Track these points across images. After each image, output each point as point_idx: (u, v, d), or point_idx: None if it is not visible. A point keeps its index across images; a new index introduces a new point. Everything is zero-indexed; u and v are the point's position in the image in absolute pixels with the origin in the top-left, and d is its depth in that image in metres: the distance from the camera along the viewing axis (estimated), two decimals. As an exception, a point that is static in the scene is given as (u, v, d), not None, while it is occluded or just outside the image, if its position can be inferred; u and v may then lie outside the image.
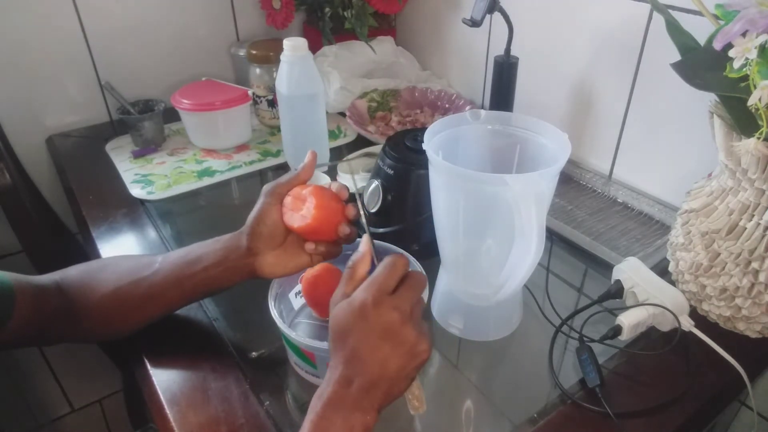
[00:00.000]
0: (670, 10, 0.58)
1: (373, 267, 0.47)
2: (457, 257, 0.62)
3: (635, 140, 0.85)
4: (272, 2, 1.12)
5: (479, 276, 0.62)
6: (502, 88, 0.88)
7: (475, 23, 0.81)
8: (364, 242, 0.49)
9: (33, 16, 0.97)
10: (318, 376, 0.56)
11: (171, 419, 0.53)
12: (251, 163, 0.97)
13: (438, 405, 0.58)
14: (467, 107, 1.06)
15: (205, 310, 0.66)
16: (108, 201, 0.87)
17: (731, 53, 0.46)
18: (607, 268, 0.70)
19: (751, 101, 0.45)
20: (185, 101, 0.95)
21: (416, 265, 0.62)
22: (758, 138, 0.47)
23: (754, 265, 0.55)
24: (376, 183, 0.72)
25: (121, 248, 0.77)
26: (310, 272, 0.59)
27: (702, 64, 0.51)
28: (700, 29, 0.53)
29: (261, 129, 1.09)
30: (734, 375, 0.57)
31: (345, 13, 1.13)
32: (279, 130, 0.98)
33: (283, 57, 0.83)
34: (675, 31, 0.55)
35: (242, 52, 1.11)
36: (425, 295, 0.56)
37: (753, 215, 0.54)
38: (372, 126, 1.06)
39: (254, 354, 0.61)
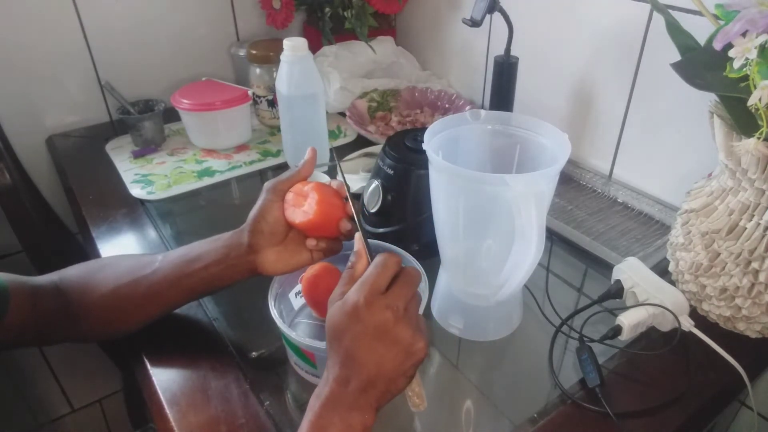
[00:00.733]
0: (670, 10, 0.58)
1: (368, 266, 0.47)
2: (457, 257, 0.62)
3: (635, 140, 0.85)
4: (272, 2, 1.12)
5: (479, 276, 0.62)
6: (502, 88, 0.88)
7: (475, 23, 0.81)
8: (357, 241, 0.49)
9: (33, 16, 0.97)
10: (318, 376, 0.56)
11: (171, 419, 0.53)
12: (251, 163, 0.97)
13: (438, 405, 0.58)
14: (467, 107, 1.06)
15: (205, 310, 0.66)
16: (108, 201, 0.87)
17: (731, 53, 0.46)
18: (607, 268, 0.70)
19: (751, 101, 0.45)
20: (185, 101, 0.95)
21: (416, 265, 0.61)
22: (758, 138, 0.47)
23: (754, 265, 0.55)
24: (376, 183, 0.72)
25: (121, 248, 0.77)
26: (310, 272, 0.59)
27: (702, 64, 0.51)
28: (700, 29, 0.53)
29: (261, 129, 1.09)
30: (734, 375, 0.57)
31: (345, 13, 1.13)
32: (279, 130, 0.98)
33: (283, 57, 0.83)
34: (675, 31, 0.55)
35: (242, 52, 1.11)
36: (425, 293, 0.56)
37: (753, 215, 0.54)
38: (372, 126, 1.06)
39: (254, 354, 0.61)
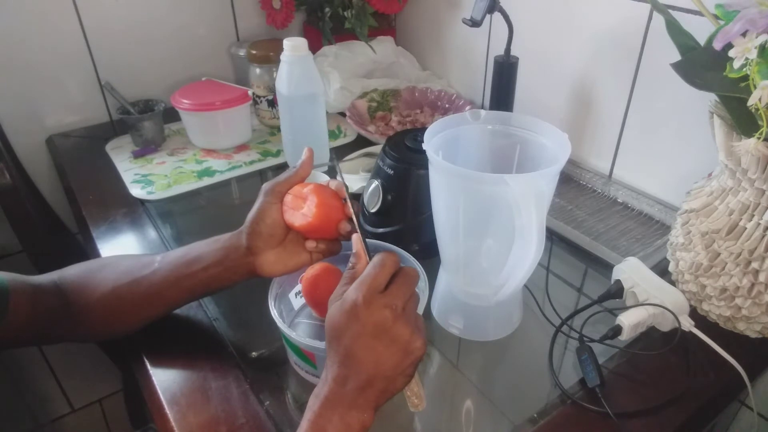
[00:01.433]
0: (670, 10, 0.58)
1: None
2: (457, 257, 0.62)
3: (635, 140, 0.85)
4: (272, 2, 1.12)
5: (479, 276, 0.62)
6: (502, 88, 0.88)
7: (475, 23, 0.81)
8: (356, 242, 0.49)
9: (33, 16, 0.97)
10: (318, 376, 0.56)
11: (171, 419, 0.53)
12: (251, 163, 0.97)
13: (438, 405, 0.58)
14: (467, 107, 1.06)
15: (205, 310, 0.66)
16: (108, 201, 0.87)
17: (731, 53, 0.46)
18: (607, 268, 0.70)
19: (751, 101, 0.45)
20: (185, 101, 0.95)
21: (416, 265, 0.61)
22: (758, 138, 0.47)
23: (754, 265, 0.55)
24: (376, 183, 0.72)
25: (121, 248, 0.77)
26: (310, 272, 0.59)
27: (702, 64, 0.51)
28: (700, 29, 0.53)
29: (261, 129, 1.09)
30: (734, 375, 0.57)
31: (345, 13, 1.13)
32: (279, 130, 0.98)
33: (283, 57, 0.83)
34: (675, 31, 0.55)
35: (242, 52, 1.11)
36: (425, 293, 0.57)
37: (753, 215, 0.54)
38: (372, 126, 1.06)
39: (254, 354, 0.61)
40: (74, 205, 0.89)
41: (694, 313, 0.63)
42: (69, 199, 0.93)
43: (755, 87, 0.44)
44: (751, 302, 0.57)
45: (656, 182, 0.84)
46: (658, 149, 0.82)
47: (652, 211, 0.81)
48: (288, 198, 0.55)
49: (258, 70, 1.02)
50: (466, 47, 1.11)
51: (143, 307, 0.57)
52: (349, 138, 1.04)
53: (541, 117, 0.59)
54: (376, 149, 0.93)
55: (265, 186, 0.56)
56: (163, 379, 0.57)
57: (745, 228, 0.55)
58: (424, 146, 0.55)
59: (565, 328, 0.63)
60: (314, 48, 0.94)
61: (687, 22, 0.56)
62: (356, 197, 0.66)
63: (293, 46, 0.81)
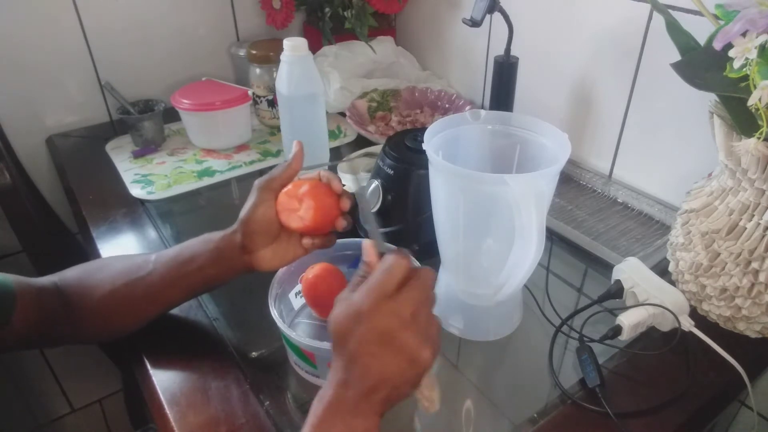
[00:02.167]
0: (670, 10, 0.58)
1: None
2: (457, 257, 0.62)
3: (635, 140, 0.85)
4: (272, 2, 1.12)
5: (479, 276, 0.62)
6: (502, 88, 0.88)
7: (475, 23, 0.81)
8: (367, 251, 0.45)
9: (33, 16, 0.97)
10: (318, 376, 0.56)
11: (171, 419, 0.53)
12: (251, 163, 0.97)
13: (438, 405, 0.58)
14: (467, 107, 1.06)
15: (205, 310, 0.65)
16: (108, 201, 0.87)
17: (731, 53, 0.46)
18: (607, 268, 0.70)
19: (751, 101, 0.45)
20: (185, 101, 0.95)
21: (416, 265, 0.61)
22: (758, 138, 0.47)
23: (754, 265, 0.55)
24: (376, 183, 0.72)
25: (121, 248, 0.77)
26: (310, 272, 0.59)
27: (702, 64, 0.51)
28: (700, 29, 0.53)
29: (261, 129, 1.09)
30: (734, 375, 0.57)
31: (345, 13, 1.13)
32: (279, 130, 0.98)
33: (283, 57, 0.83)
34: (675, 31, 0.55)
35: (242, 52, 1.11)
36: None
37: (753, 215, 0.54)
38: (372, 126, 1.06)
39: (254, 354, 0.61)
40: (74, 205, 0.89)
41: (694, 313, 0.63)
42: (69, 199, 0.92)
43: (755, 87, 0.44)
44: (751, 302, 0.57)
45: (656, 182, 0.84)
46: (658, 149, 0.82)
47: (652, 211, 0.81)
48: (282, 198, 0.54)
49: (258, 70, 1.02)
50: (466, 47, 1.11)
51: (141, 308, 0.57)
52: (349, 138, 1.04)
53: (541, 117, 0.59)
54: (376, 149, 0.93)
55: (258, 183, 0.55)
56: (163, 379, 0.57)
57: (745, 228, 0.55)
58: (424, 146, 0.55)
59: (565, 328, 0.63)
60: (314, 48, 0.94)
61: (687, 22, 0.56)
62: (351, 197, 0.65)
63: (293, 46, 0.81)
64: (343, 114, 1.05)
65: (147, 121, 0.98)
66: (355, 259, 0.66)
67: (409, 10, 1.22)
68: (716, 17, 0.50)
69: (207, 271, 0.56)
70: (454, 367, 0.62)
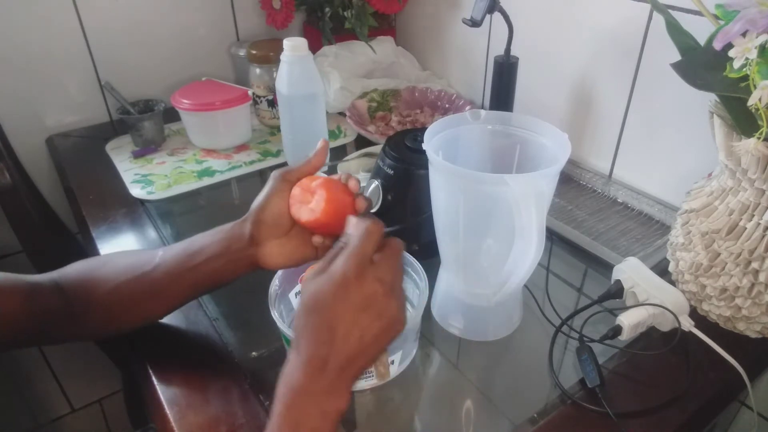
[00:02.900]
0: (670, 10, 0.58)
1: None
2: (457, 257, 0.62)
3: (635, 140, 0.85)
4: (272, 2, 1.12)
5: (479, 276, 0.62)
6: (502, 88, 0.88)
7: (475, 23, 0.81)
8: (350, 224, 0.45)
9: (33, 16, 0.97)
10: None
11: (171, 419, 0.53)
12: (251, 163, 0.97)
13: (438, 405, 0.58)
14: (467, 107, 1.06)
15: (206, 310, 0.66)
16: (108, 201, 0.87)
17: (731, 53, 0.46)
18: (607, 268, 0.70)
19: (751, 101, 0.45)
20: (185, 101, 0.95)
21: (416, 265, 0.62)
22: (758, 138, 0.47)
23: (754, 265, 0.55)
24: (376, 183, 0.72)
25: (121, 248, 0.77)
26: (310, 273, 0.59)
27: (702, 64, 0.51)
28: (700, 29, 0.53)
29: (261, 129, 1.09)
30: (734, 375, 0.57)
31: (345, 13, 1.13)
32: (279, 130, 0.98)
33: (283, 57, 0.83)
34: (675, 31, 0.55)
35: (242, 52, 1.11)
36: (425, 293, 0.57)
37: (753, 215, 0.54)
38: (372, 126, 1.06)
39: (254, 354, 0.61)
40: (74, 205, 0.89)
41: (694, 313, 0.63)
42: (69, 199, 0.92)
43: (755, 87, 0.44)
44: (751, 302, 0.57)
45: (656, 182, 0.84)
46: (658, 149, 0.82)
47: (652, 211, 0.81)
48: (296, 191, 0.53)
49: (258, 70, 1.02)
50: (466, 47, 1.11)
51: (145, 304, 0.56)
52: (349, 138, 1.04)
53: (541, 117, 0.59)
54: (376, 149, 0.93)
55: (275, 173, 0.54)
56: (163, 379, 0.57)
57: (745, 228, 0.55)
58: (424, 146, 0.55)
59: (565, 328, 0.63)
60: (314, 48, 0.94)
61: (687, 22, 0.56)
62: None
63: (293, 46, 0.81)
64: (343, 114, 1.05)
65: (147, 121, 0.98)
66: None
67: (409, 10, 1.22)
68: (716, 17, 0.50)
69: (213, 264, 0.54)
70: (454, 367, 0.62)
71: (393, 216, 0.71)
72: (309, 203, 0.52)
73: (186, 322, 0.64)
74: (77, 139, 1.06)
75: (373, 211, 0.72)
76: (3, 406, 1.20)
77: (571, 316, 0.65)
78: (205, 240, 0.55)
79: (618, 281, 0.65)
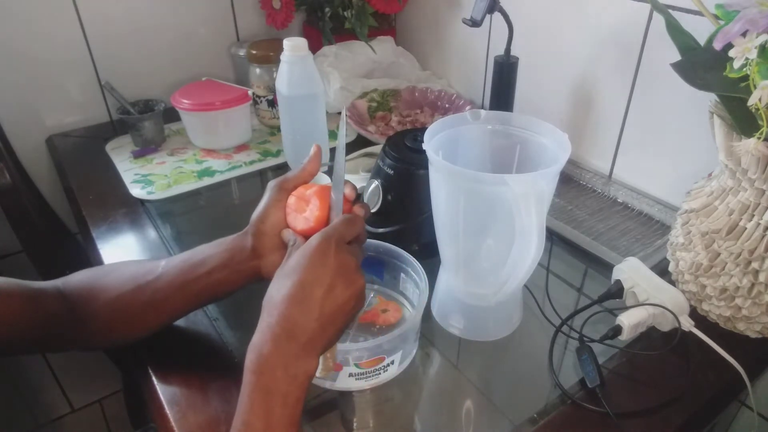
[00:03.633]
0: (670, 10, 0.58)
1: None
2: (457, 257, 0.62)
3: (635, 140, 0.85)
4: (272, 2, 1.12)
5: (479, 276, 0.62)
6: (502, 88, 0.88)
7: (475, 23, 0.81)
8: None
9: (33, 16, 0.97)
10: (317, 377, 0.56)
11: (171, 419, 0.53)
12: (251, 163, 0.97)
13: (438, 405, 0.58)
14: (467, 107, 1.06)
15: (205, 310, 0.65)
16: (108, 201, 0.87)
17: (731, 53, 0.46)
18: (607, 268, 0.70)
19: (751, 101, 0.45)
20: (185, 101, 0.95)
21: (416, 265, 0.62)
22: (758, 138, 0.47)
23: (754, 265, 0.55)
24: (376, 183, 0.72)
25: (121, 248, 0.77)
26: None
27: (702, 64, 0.51)
28: (700, 29, 0.53)
29: (261, 129, 1.09)
30: (734, 375, 0.57)
31: (345, 13, 1.13)
32: (279, 130, 0.98)
33: (283, 57, 0.83)
34: (675, 31, 0.55)
35: (242, 52, 1.11)
36: (425, 293, 0.57)
37: (753, 215, 0.54)
38: (372, 126, 1.06)
39: (254, 354, 0.61)
40: (74, 205, 0.89)
41: (694, 313, 0.63)
42: (69, 199, 0.92)
43: (755, 87, 0.44)
44: (751, 302, 0.57)
45: (656, 182, 0.84)
46: (658, 149, 0.82)
47: (652, 211, 0.81)
48: (291, 200, 0.54)
49: (258, 70, 1.02)
50: (466, 47, 1.11)
51: (147, 315, 0.56)
52: (349, 138, 1.04)
53: (541, 117, 0.59)
54: (376, 149, 0.93)
55: (271, 183, 0.55)
56: (163, 379, 0.57)
57: (745, 228, 0.55)
58: (424, 146, 0.55)
59: (565, 328, 0.63)
60: (314, 48, 0.94)
61: (687, 22, 0.56)
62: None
63: (293, 46, 0.81)
64: (343, 114, 1.05)
65: (147, 121, 0.98)
66: (374, 266, 0.66)
67: (409, 10, 1.22)
68: (716, 17, 0.50)
69: (215, 276, 0.54)
70: (454, 367, 0.62)
71: (393, 216, 0.71)
72: (304, 212, 0.52)
73: (186, 322, 0.64)
74: (77, 139, 1.06)
75: (373, 211, 0.72)
76: (3, 406, 1.20)
77: (571, 316, 0.65)
78: (207, 251, 0.56)
79: (618, 281, 0.65)
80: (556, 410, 0.54)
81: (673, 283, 0.65)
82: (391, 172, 0.70)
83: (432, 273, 0.64)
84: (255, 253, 0.54)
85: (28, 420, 1.27)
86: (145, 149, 0.99)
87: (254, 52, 1.01)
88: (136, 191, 0.89)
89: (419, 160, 0.68)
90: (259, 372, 0.42)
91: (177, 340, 0.62)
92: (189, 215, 0.88)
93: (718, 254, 0.58)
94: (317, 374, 0.46)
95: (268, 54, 1.00)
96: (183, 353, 0.61)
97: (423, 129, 0.59)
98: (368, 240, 0.58)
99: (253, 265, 0.54)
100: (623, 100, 0.84)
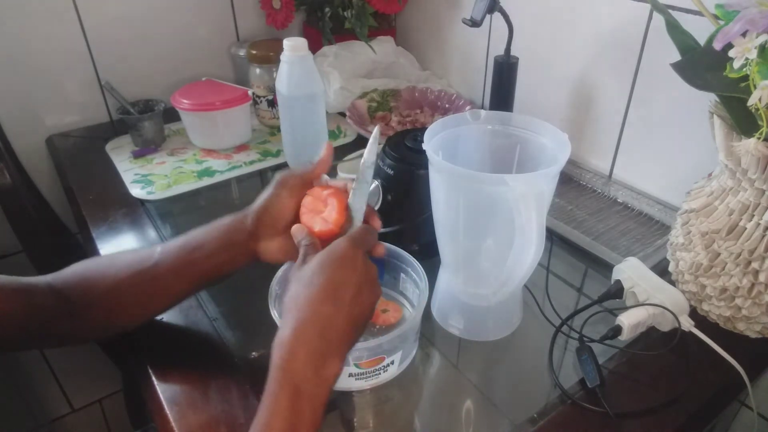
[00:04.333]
0: (670, 10, 0.58)
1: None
2: (457, 257, 0.62)
3: (635, 140, 0.85)
4: (272, 2, 1.12)
5: (479, 276, 0.62)
6: (502, 88, 0.88)
7: (475, 23, 0.81)
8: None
9: (33, 16, 0.97)
10: (318, 376, 0.56)
11: (171, 419, 0.53)
12: (251, 163, 0.97)
13: (438, 405, 0.58)
14: (467, 107, 1.06)
15: (205, 310, 0.66)
16: (108, 201, 0.87)
17: (731, 53, 0.46)
18: (607, 268, 0.70)
19: (751, 101, 0.45)
20: (185, 101, 0.95)
21: (416, 266, 0.62)
22: (758, 138, 0.47)
23: (754, 265, 0.55)
24: (376, 183, 0.72)
25: (121, 248, 0.77)
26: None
27: (702, 64, 0.51)
28: (700, 29, 0.53)
29: (261, 129, 1.09)
30: (734, 375, 0.57)
31: (345, 13, 1.13)
32: (279, 130, 0.98)
33: (283, 57, 0.83)
34: (675, 31, 0.55)
35: (242, 52, 1.11)
36: (425, 293, 0.57)
37: (753, 215, 0.54)
38: (372, 126, 1.06)
39: (254, 354, 0.61)
40: (74, 205, 0.89)
41: (694, 313, 0.63)
42: (69, 199, 0.92)
43: (755, 87, 0.44)
44: (751, 302, 0.57)
45: (656, 182, 0.84)
46: (658, 149, 0.82)
47: (652, 211, 0.81)
48: (307, 200, 0.54)
49: (258, 70, 1.02)
50: (466, 47, 1.11)
51: (146, 300, 0.56)
52: (349, 138, 1.04)
53: (541, 117, 0.59)
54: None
55: (278, 176, 0.56)
56: (163, 379, 0.57)
57: (745, 228, 0.55)
58: (424, 146, 0.55)
59: (565, 328, 0.63)
60: (314, 48, 0.94)
61: (687, 22, 0.56)
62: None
63: (293, 46, 0.81)
64: (343, 114, 1.05)
65: (147, 121, 0.98)
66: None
67: (409, 10, 1.22)
68: (716, 17, 0.50)
69: (216, 258, 0.55)
70: (454, 367, 0.62)
71: (393, 216, 0.71)
72: (321, 212, 0.53)
73: (186, 322, 0.64)
74: (77, 139, 1.06)
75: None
76: (3, 406, 1.20)
77: (571, 316, 0.65)
78: (205, 236, 0.56)
79: (618, 281, 0.65)
80: (556, 410, 0.54)
81: (673, 283, 0.65)
82: (391, 172, 0.70)
83: (432, 273, 0.64)
84: (253, 235, 0.55)
85: (28, 420, 1.27)
86: (145, 149, 0.99)
87: (254, 52, 1.01)
88: (136, 191, 0.89)
89: (419, 160, 0.67)
90: (289, 369, 0.41)
91: (177, 340, 0.62)
92: (189, 215, 0.88)
93: (718, 254, 0.58)
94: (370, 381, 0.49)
95: (268, 54, 1.00)
96: (183, 353, 0.61)
97: (423, 129, 0.59)
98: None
99: (251, 246, 0.56)
100: (623, 100, 0.84)
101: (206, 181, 0.92)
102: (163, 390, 0.56)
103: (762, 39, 0.44)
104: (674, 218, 0.65)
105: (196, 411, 0.53)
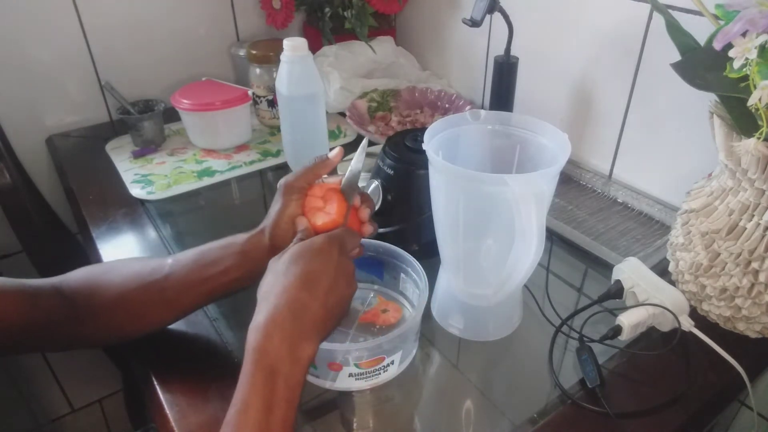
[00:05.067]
0: (670, 10, 0.58)
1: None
2: (457, 257, 0.62)
3: (635, 140, 0.85)
4: (272, 2, 1.12)
5: (479, 276, 0.62)
6: (502, 88, 0.88)
7: (475, 23, 0.81)
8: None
9: (33, 16, 0.97)
10: (318, 376, 0.56)
11: (171, 419, 0.53)
12: (251, 163, 0.97)
13: (438, 405, 0.58)
14: (467, 107, 1.06)
15: (205, 310, 0.65)
16: (108, 201, 0.87)
17: (731, 53, 0.46)
18: (607, 268, 0.70)
19: (751, 101, 0.45)
20: (185, 101, 0.95)
21: (416, 265, 0.62)
22: (758, 138, 0.47)
23: (754, 265, 0.55)
24: (376, 183, 0.72)
25: (121, 248, 0.77)
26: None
27: (702, 64, 0.51)
28: (700, 29, 0.53)
29: (261, 129, 1.09)
30: (734, 375, 0.57)
31: (345, 13, 1.13)
32: (279, 130, 0.98)
33: (283, 57, 0.83)
34: (675, 31, 0.55)
35: (242, 52, 1.11)
36: (425, 293, 0.57)
37: (753, 215, 0.54)
38: (372, 126, 1.06)
39: (254, 354, 0.61)
40: (74, 205, 0.89)
41: (694, 313, 0.63)
42: (69, 199, 0.92)
43: (755, 87, 0.44)
44: (751, 302, 0.57)
45: (656, 182, 0.84)
46: (658, 149, 0.82)
47: (652, 211, 0.81)
48: (307, 200, 0.55)
49: (258, 70, 1.02)
50: (466, 47, 1.11)
51: (154, 312, 0.56)
52: (349, 138, 1.04)
53: (541, 117, 0.59)
54: (376, 149, 0.93)
55: (282, 185, 0.56)
56: (164, 380, 0.57)
57: (745, 228, 0.55)
58: (424, 146, 0.55)
59: (565, 328, 0.63)
60: (314, 48, 0.94)
61: (687, 22, 0.56)
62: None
63: (293, 46, 0.81)
64: (343, 114, 1.05)
65: (147, 121, 0.98)
66: (374, 266, 0.66)
67: (409, 10, 1.22)
68: (716, 17, 0.50)
69: (232, 275, 0.55)
70: (454, 367, 0.62)
71: (393, 216, 0.71)
72: (323, 208, 0.55)
73: (186, 322, 0.64)
74: (77, 139, 1.06)
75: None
76: (3, 406, 1.20)
77: (571, 316, 0.65)
78: (219, 252, 0.56)
79: (618, 281, 0.65)
80: (556, 410, 0.54)
81: (673, 283, 0.65)
82: (391, 172, 0.70)
83: (432, 273, 0.64)
84: (272, 249, 0.55)
85: (28, 420, 1.27)
86: (145, 149, 0.99)
87: (254, 52, 1.01)
88: (136, 191, 0.89)
89: (419, 160, 0.68)
90: (263, 351, 0.42)
91: (177, 340, 0.62)
92: (189, 215, 0.88)
93: (718, 254, 0.58)
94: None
95: (268, 54, 1.00)
96: (183, 353, 0.61)
97: (423, 129, 0.59)
98: (368, 240, 0.58)
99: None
100: (623, 100, 0.84)
101: (206, 181, 0.92)
102: (163, 390, 0.56)
103: (762, 39, 0.44)
104: (674, 218, 0.65)
105: (196, 411, 0.53)
